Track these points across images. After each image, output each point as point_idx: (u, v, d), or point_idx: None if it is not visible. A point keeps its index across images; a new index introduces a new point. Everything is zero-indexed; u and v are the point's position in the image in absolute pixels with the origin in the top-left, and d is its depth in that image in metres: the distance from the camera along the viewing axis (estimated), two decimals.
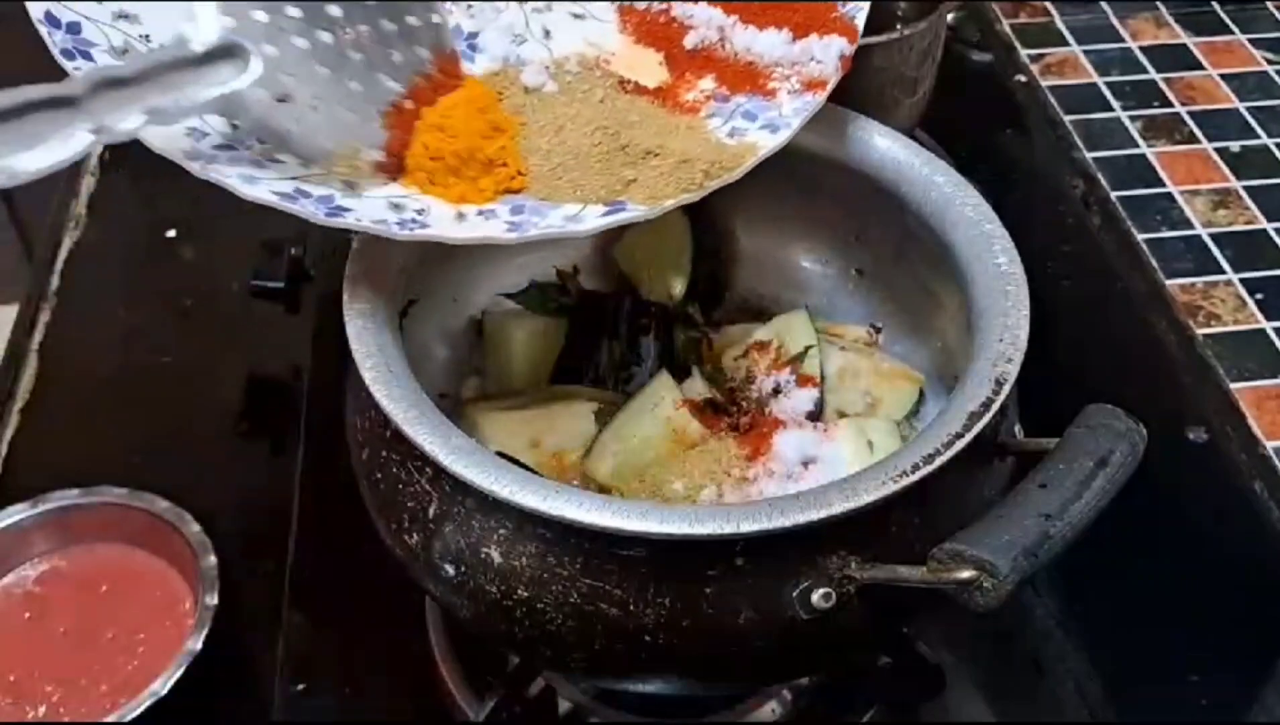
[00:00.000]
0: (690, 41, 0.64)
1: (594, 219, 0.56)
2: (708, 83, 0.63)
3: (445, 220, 0.56)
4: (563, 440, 0.65)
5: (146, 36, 0.58)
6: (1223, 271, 0.95)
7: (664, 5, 0.66)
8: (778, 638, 0.51)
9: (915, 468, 0.49)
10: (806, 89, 0.61)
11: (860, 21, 0.63)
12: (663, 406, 0.64)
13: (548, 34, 0.66)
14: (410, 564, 0.55)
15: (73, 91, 0.49)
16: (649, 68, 0.65)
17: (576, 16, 0.67)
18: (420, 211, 0.57)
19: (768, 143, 0.59)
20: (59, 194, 0.97)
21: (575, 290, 0.73)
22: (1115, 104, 1.10)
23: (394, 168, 0.58)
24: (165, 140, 0.55)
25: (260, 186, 0.54)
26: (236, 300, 0.87)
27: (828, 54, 0.62)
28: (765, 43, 0.62)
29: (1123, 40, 1.17)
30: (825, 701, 0.67)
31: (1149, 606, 0.72)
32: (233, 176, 0.54)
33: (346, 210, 0.55)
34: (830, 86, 0.61)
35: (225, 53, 0.53)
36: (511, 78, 0.62)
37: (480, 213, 0.57)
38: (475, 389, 0.70)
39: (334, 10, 0.57)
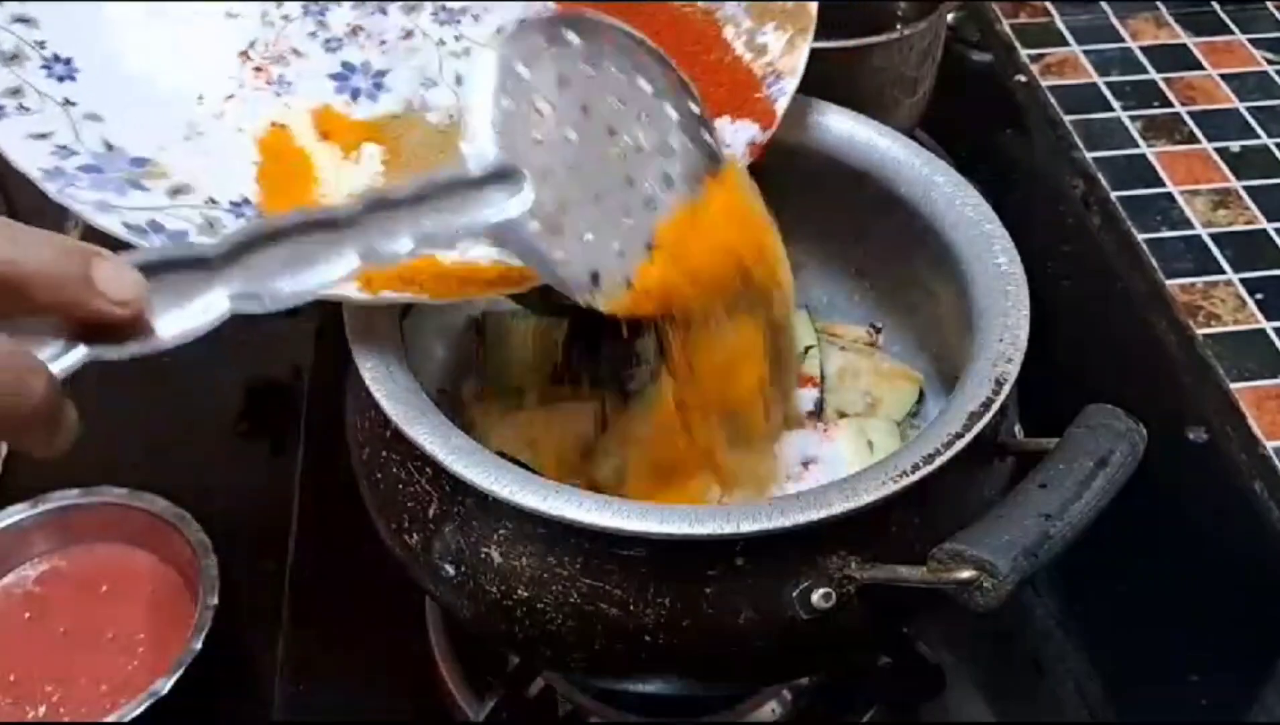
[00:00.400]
0: None
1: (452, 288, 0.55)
2: None
3: None
4: (563, 440, 0.65)
5: (42, 44, 0.56)
6: (1223, 271, 0.95)
7: None
8: (778, 638, 0.51)
9: (915, 468, 0.49)
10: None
11: (781, 106, 0.60)
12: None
13: (459, 80, 0.64)
14: (410, 564, 0.55)
15: (345, 213, 0.46)
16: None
17: None
18: None
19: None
20: None
21: None
22: (1115, 104, 1.10)
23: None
24: (24, 156, 0.53)
25: (113, 217, 0.53)
26: None
27: (737, 139, 0.59)
28: None
29: (1123, 40, 1.17)
30: (825, 701, 0.67)
31: (1149, 606, 0.72)
32: (88, 204, 0.53)
33: None
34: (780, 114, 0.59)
35: (500, 176, 0.49)
36: (413, 122, 0.62)
37: None
38: (475, 388, 0.70)
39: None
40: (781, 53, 0.62)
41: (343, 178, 0.60)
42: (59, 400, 0.41)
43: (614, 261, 0.52)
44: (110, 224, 0.53)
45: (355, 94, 0.63)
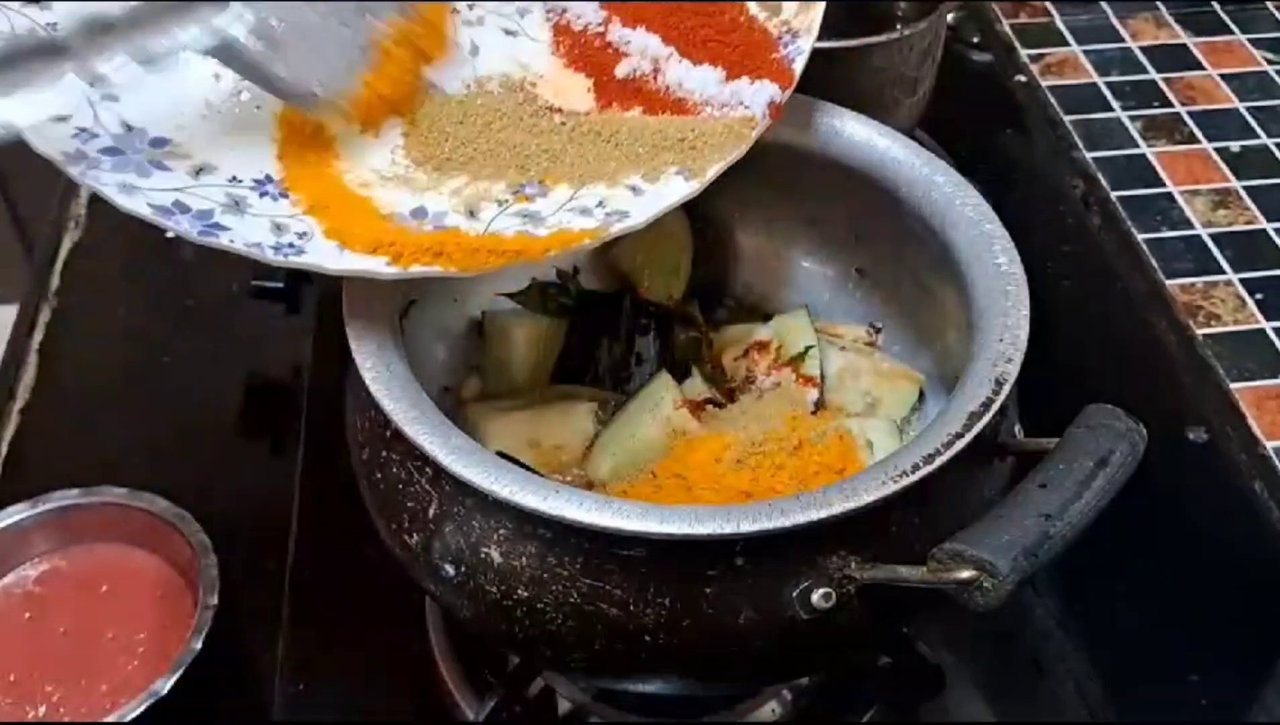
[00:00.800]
0: (622, 70, 0.63)
1: (480, 260, 0.55)
2: (634, 115, 0.62)
3: (326, 249, 0.54)
4: (563, 440, 0.65)
5: (54, 25, 0.55)
6: (1223, 271, 0.95)
7: (600, 28, 0.64)
8: (778, 638, 0.51)
9: (915, 468, 0.49)
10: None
11: (799, 66, 0.61)
12: (662, 406, 0.64)
13: (475, 50, 0.64)
14: (410, 564, 0.55)
15: (60, 36, 0.48)
16: (576, 94, 0.64)
17: (508, 33, 0.65)
18: (301, 235, 0.55)
19: (679, 191, 0.57)
20: (59, 194, 0.97)
21: (575, 290, 0.73)
22: (1115, 104, 1.10)
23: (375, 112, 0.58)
24: (49, 141, 0.53)
25: (137, 198, 0.53)
26: (236, 300, 0.87)
27: (757, 100, 0.59)
28: (698, 79, 0.61)
29: (1123, 40, 1.17)
30: (825, 701, 0.67)
31: (1149, 606, 0.72)
32: (111, 186, 0.53)
33: (223, 229, 0.53)
34: (753, 137, 0.59)
35: None
36: (430, 92, 0.61)
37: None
38: (475, 388, 0.70)
39: None
40: (796, 11, 0.63)
41: (363, 151, 0.60)
42: None
43: (336, 71, 0.56)
44: (136, 206, 0.53)
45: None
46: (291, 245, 0.54)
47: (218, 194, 0.55)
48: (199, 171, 0.56)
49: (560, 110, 0.62)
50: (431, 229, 0.57)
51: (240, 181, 0.57)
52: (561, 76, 0.64)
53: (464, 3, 0.65)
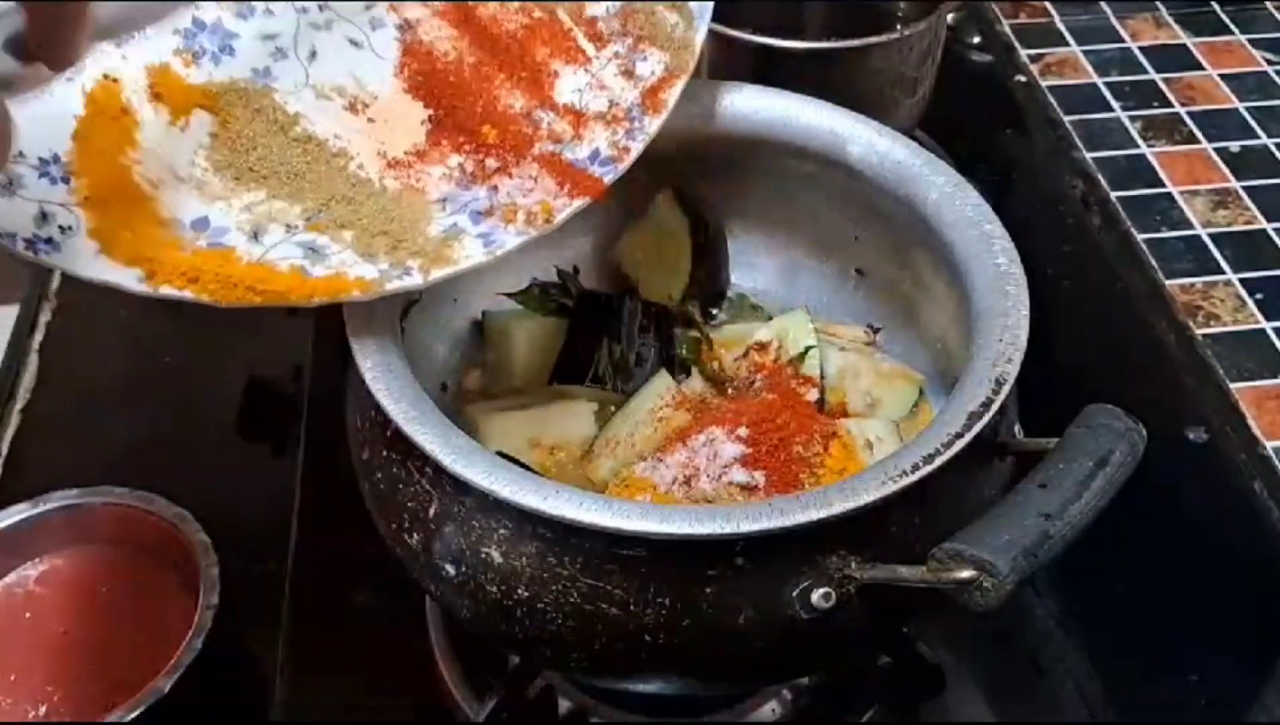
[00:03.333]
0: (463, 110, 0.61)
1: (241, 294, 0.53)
2: (455, 160, 0.60)
3: (82, 251, 0.52)
4: (563, 440, 0.65)
5: (20, 153, 0.54)
6: (1222, 271, 0.95)
7: (452, 58, 0.62)
8: (778, 638, 0.51)
9: (915, 468, 0.49)
10: (532, 217, 0.57)
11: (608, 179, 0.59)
12: (662, 407, 0.64)
13: (314, 56, 0.61)
14: (410, 564, 0.55)
15: None
16: (409, 124, 0.61)
17: (354, 43, 0.63)
18: (64, 230, 0.53)
19: (474, 256, 0.55)
20: None
21: (575, 290, 0.73)
22: (1115, 104, 1.10)
23: None
24: None
25: None
26: None
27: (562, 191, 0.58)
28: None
29: (1122, 40, 1.17)
30: (825, 701, 0.67)
31: (1149, 606, 0.72)
32: None
33: None
34: (557, 222, 0.57)
35: None
36: (252, 95, 0.59)
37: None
38: (476, 380, 0.70)
39: None
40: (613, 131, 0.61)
41: (165, 143, 0.58)
42: None
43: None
44: None
45: (199, 55, 0.60)
46: (50, 240, 0.52)
47: None
48: None
49: (383, 156, 0.60)
50: (205, 245, 0.55)
51: (24, 157, 0.54)
52: (398, 102, 0.62)
53: (314, 2, 0.62)
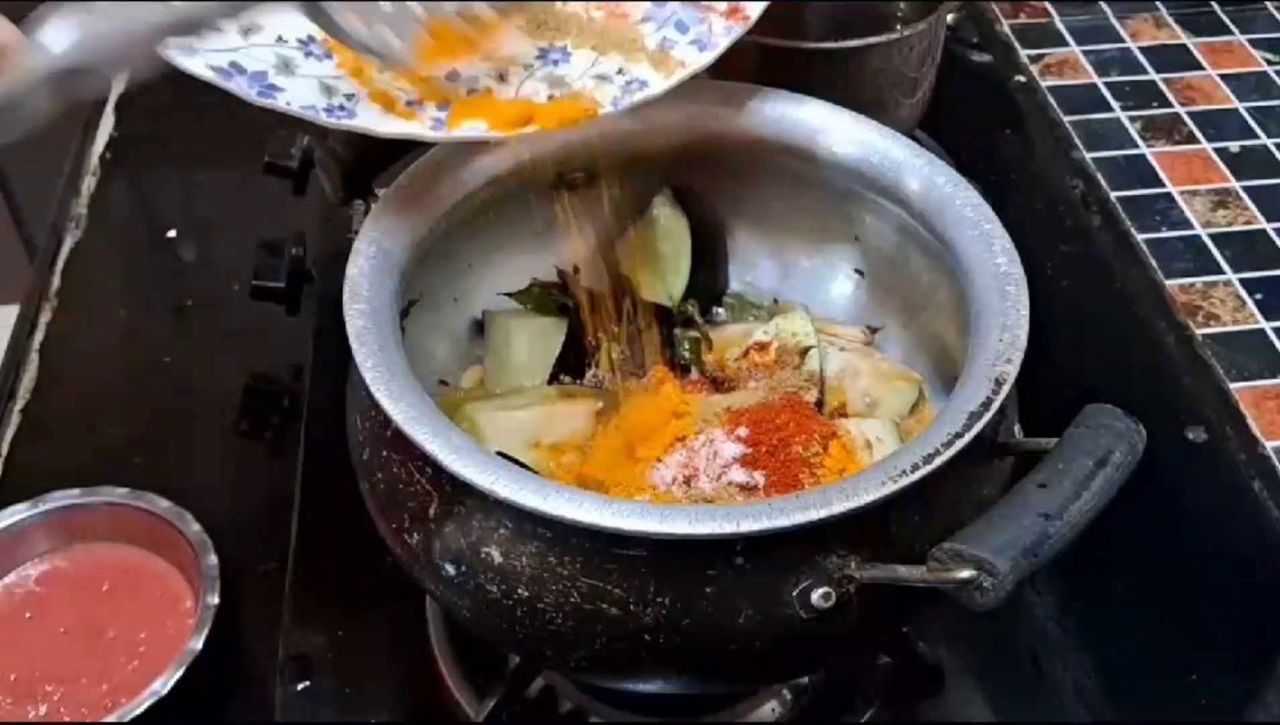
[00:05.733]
0: None
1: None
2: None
3: (372, 112, 0.57)
4: (563, 440, 0.65)
5: (280, 38, 0.58)
6: (1222, 271, 0.95)
7: None
8: (778, 637, 0.51)
9: (915, 468, 0.49)
10: (731, 15, 0.62)
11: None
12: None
13: None
14: (410, 564, 0.55)
15: None
16: None
17: None
18: (349, 97, 0.57)
19: (694, 61, 0.60)
20: (59, 194, 0.97)
21: (575, 290, 0.73)
22: (1115, 104, 1.10)
23: None
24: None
25: (197, 60, 0.54)
26: (236, 300, 0.87)
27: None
28: None
29: (1122, 40, 1.17)
30: (825, 701, 0.67)
31: (1149, 606, 0.72)
32: (173, 49, 0.54)
33: (278, 90, 0.55)
34: (754, 18, 0.61)
35: None
36: None
37: (409, 104, 0.58)
38: (475, 376, 0.70)
39: None
40: None
41: (399, 8, 0.60)
42: None
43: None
44: (195, 66, 0.54)
45: None
46: (342, 107, 0.56)
47: (267, 54, 0.57)
48: (247, 32, 0.57)
49: None
50: (465, 93, 0.59)
51: (286, 41, 0.58)
52: None
53: None
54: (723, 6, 0.62)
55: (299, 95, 0.56)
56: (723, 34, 0.61)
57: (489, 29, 0.62)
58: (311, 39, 0.59)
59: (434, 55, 0.60)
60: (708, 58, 0.61)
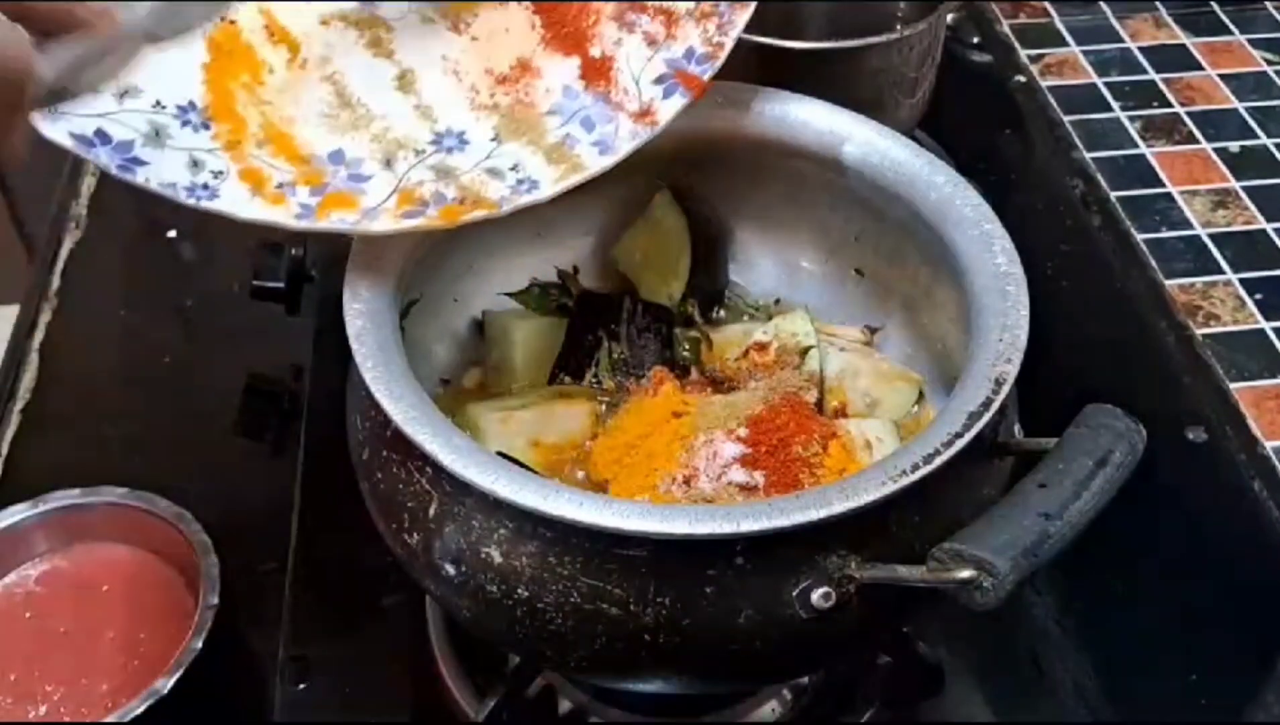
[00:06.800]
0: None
1: (388, 221, 0.56)
2: (559, 70, 0.61)
3: (238, 193, 0.55)
4: (563, 440, 0.65)
5: (159, 103, 0.56)
6: (1222, 271, 0.95)
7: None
8: (778, 637, 0.51)
9: (915, 467, 0.49)
10: (640, 118, 0.59)
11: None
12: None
13: None
14: (410, 564, 0.55)
15: None
16: (509, 40, 0.62)
17: None
18: (217, 175, 0.55)
19: (592, 165, 0.57)
20: (59, 194, 0.97)
21: (575, 290, 0.73)
22: (1115, 104, 1.10)
23: None
24: None
25: (60, 126, 0.52)
26: (236, 300, 0.87)
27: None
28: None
29: (1122, 41, 1.17)
30: (825, 701, 0.67)
31: (1149, 606, 0.72)
32: (37, 114, 0.51)
33: (140, 164, 0.53)
34: (663, 124, 0.59)
35: None
36: (360, 23, 0.60)
37: (279, 186, 0.56)
38: (476, 378, 0.70)
39: None
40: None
41: (289, 81, 0.59)
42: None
43: None
44: (57, 134, 0.52)
45: None
46: (205, 186, 0.54)
47: (140, 121, 0.54)
48: (124, 95, 0.55)
49: (491, 73, 0.62)
50: (345, 176, 0.57)
51: (164, 107, 0.56)
52: (499, 16, 0.63)
53: None
54: (634, 107, 0.60)
55: (161, 171, 0.53)
56: (628, 138, 0.59)
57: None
58: (192, 105, 0.56)
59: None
60: (607, 162, 0.58)
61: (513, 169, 0.58)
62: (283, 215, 0.54)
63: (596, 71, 0.62)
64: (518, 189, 0.57)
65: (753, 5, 0.61)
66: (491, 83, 0.62)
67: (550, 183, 0.57)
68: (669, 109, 0.59)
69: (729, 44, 0.60)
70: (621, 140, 0.59)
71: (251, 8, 0.60)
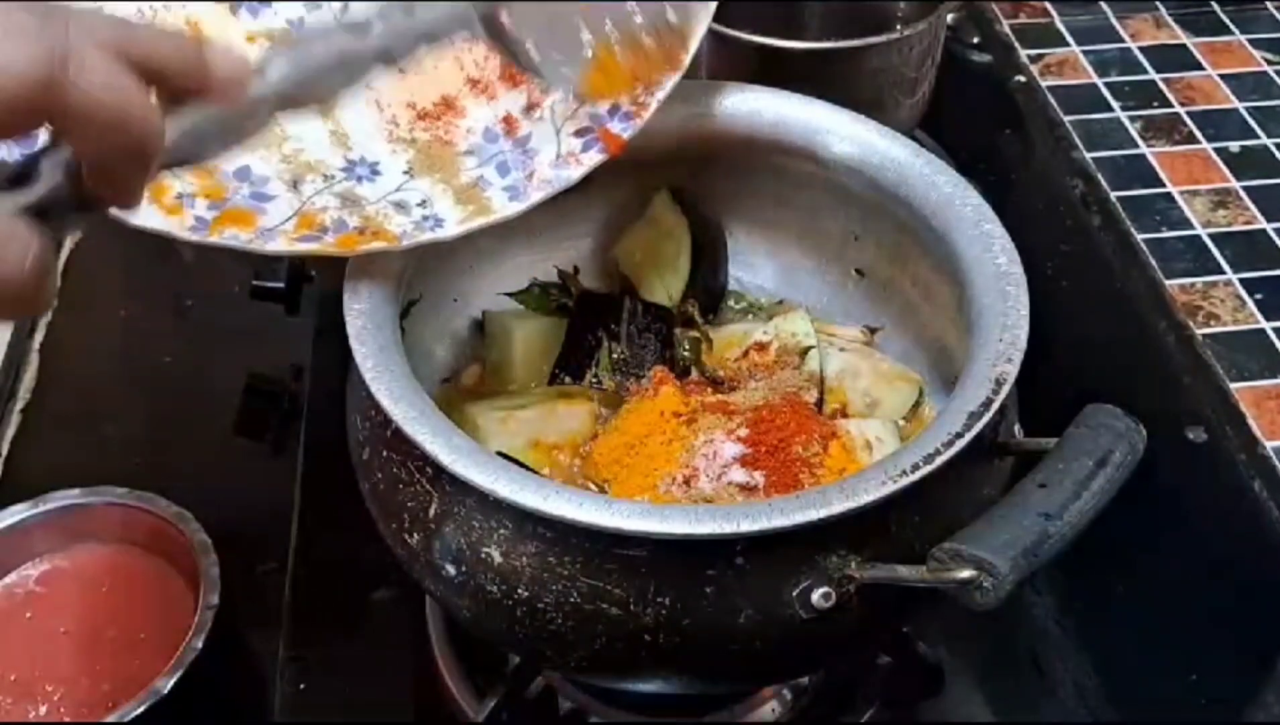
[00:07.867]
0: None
1: (283, 243, 0.55)
2: (482, 113, 0.61)
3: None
4: (562, 440, 0.65)
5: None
6: (1222, 271, 0.95)
7: None
8: (778, 637, 0.51)
9: (915, 467, 0.49)
10: (555, 168, 0.59)
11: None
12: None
13: (345, 8, 0.62)
14: (410, 564, 0.55)
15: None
16: (435, 77, 0.62)
17: None
18: None
19: (501, 210, 0.57)
20: None
21: (575, 290, 0.73)
22: (1115, 104, 1.10)
23: None
24: None
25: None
26: (236, 300, 0.87)
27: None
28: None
29: (1122, 41, 1.17)
30: (825, 701, 0.67)
31: (1148, 606, 0.72)
32: None
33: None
34: (576, 178, 0.58)
35: None
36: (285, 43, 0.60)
37: (179, 196, 0.55)
38: (475, 374, 0.70)
39: None
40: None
41: None
42: None
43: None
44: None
45: (235, 6, 0.61)
46: None
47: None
48: None
49: (413, 107, 0.61)
50: (248, 193, 0.57)
51: None
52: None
53: None
54: (551, 157, 0.59)
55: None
56: (539, 187, 0.58)
57: (652, 61, 0.59)
58: None
59: (599, 89, 0.57)
60: (515, 208, 0.57)
61: (420, 204, 0.58)
62: (176, 226, 0.54)
63: (520, 117, 0.62)
64: (421, 225, 0.56)
65: (681, 71, 0.60)
66: (412, 117, 0.62)
67: (455, 222, 0.56)
68: (585, 163, 0.59)
69: (654, 105, 0.60)
70: (533, 188, 0.58)
71: (179, 16, 0.59)
